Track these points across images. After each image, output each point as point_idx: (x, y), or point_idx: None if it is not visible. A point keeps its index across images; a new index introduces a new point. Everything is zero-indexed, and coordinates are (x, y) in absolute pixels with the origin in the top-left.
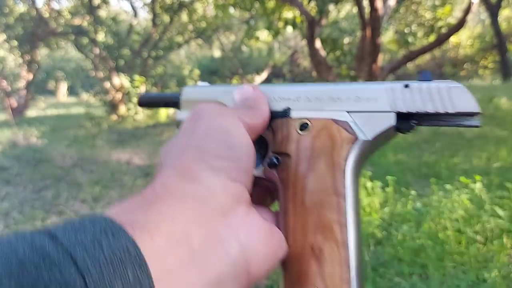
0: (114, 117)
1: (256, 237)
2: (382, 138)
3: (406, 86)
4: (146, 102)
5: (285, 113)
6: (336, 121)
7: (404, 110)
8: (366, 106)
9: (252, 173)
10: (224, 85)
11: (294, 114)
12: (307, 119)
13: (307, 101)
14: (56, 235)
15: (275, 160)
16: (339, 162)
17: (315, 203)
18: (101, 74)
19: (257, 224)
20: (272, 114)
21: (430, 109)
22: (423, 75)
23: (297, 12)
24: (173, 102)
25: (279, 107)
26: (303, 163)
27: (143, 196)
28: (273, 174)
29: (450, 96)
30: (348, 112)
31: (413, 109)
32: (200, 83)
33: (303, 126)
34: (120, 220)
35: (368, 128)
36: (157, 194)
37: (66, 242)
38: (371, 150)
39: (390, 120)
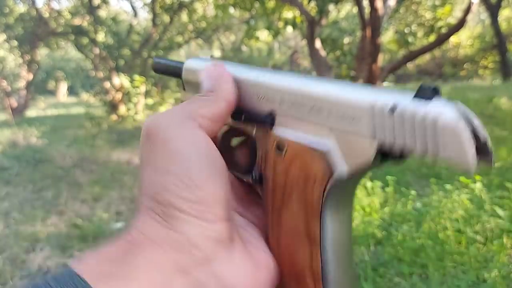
0: (114, 117)
1: (241, 278)
2: (367, 168)
3: (392, 110)
4: (159, 67)
5: (268, 120)
6: (312, 149)
7: (386, 141)
8: (350, 126)
9: (227, 197)
10: (224, 62)
11: (276, 122)
12: (284, 138)
13: (290, 106)
14: None
15: (257, 177)
16: (313, 203)
17: (288, 246)
18: (101, 74)
19: (241, 264)
20: (254, 117)
21: (417, 149)
22: (422, 90)
23: (297, 12)
24: (178, 73)
25: (262, 108)
26: (278, 193)
27: (118, 245)
28: (259, 189)
29: (443, 137)
30: (331, 129)
31: (396, 143)
32: (203, 56)
33: (280, 147)
34: (90, 273)
35: (350, 159)
36: (134, 242)
37: None
38: (354, 182)
39: (372, 150)
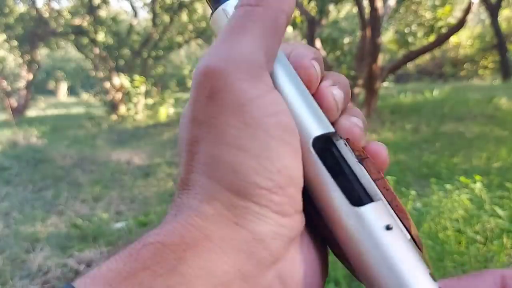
0: (114, 117)
1: (308, 278)
2: None
3: None
4: None
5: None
6: None
7: None
8: None
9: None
10: None
11: None
12: None
13: None
14: None
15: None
16: None
17: None
18: (101, 74)
19: (308, 262)
20: None
21: None
22: None
23: (297, 12)
24: None
25: None
26: None
27: (156, 247)
28: None
29: None
30: None
31: None
32: None
33: None
34: None
35: None
36: (183, 242)
37: None
38: None
39: None
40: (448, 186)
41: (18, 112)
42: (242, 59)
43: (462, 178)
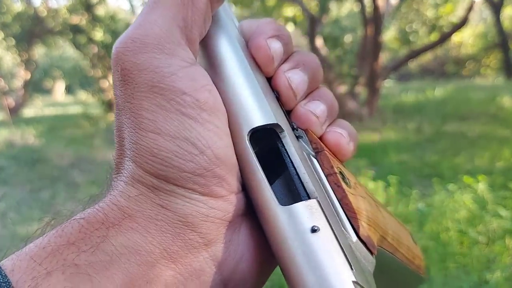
0: (111, 116)
1: (248, 261)
2: None
3: None
4: None
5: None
6: None
7: None
8: None
9: (236, 161)
10: None
11: None
12: None
13: None
14: None
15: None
16: None
17: None
18: (98, 73)
19: (246, 244)
20: None
21: None
22: None
23: (298, 10)
24: None
25: None
26: None
27: (80, 225)
28: None
29: None
30: None
31: None
32: None
33: None
34: (27, 270)
35: None
36: (108, 221)
37: None
38: None
39: None
40: (450, 186)
41: (15, 111)
42: (151, 36)
43: (465, 178)
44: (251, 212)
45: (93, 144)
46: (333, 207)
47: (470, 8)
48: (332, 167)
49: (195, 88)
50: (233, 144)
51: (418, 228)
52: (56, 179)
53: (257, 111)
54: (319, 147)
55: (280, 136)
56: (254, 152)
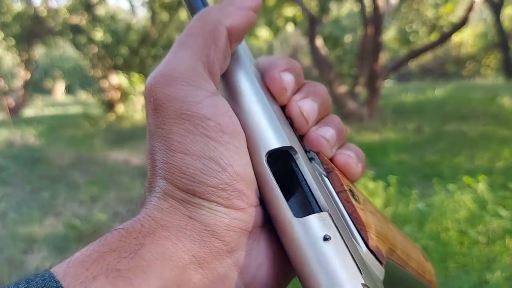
0: (112, 116)
1: (267, 268)
2: None
3: None
4: None
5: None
6: None
7: None
8: None
9: (254, 177)
10: None
11: None
12: None
13: None
14: None
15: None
16: None
17: None
18: (98, 73)
19: (265, 253)
20: None
21: None
22: None
23: (298, 10)
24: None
25: None
26: None
27: (120, 235)
28: None
29: None
30: None
31: None
32: None
33: None
34: (74, 274)
35: None
36: (143, 231)
37: None
38: None
39: None
40: (450, 186)
41: (15, 111)
42: (179, 71)
43: (465, 178)
44: (269, 224)
45: (93, 144)
46: (344, 220)
47: (470, 8)
48: (342, 185)
49: (217, 114)
50: (253, 164)
51: (418, 228)
52: (56, 179)
53: (273, 136)
54: (330, 168)
55: (294, 157)
56: (272, 171)
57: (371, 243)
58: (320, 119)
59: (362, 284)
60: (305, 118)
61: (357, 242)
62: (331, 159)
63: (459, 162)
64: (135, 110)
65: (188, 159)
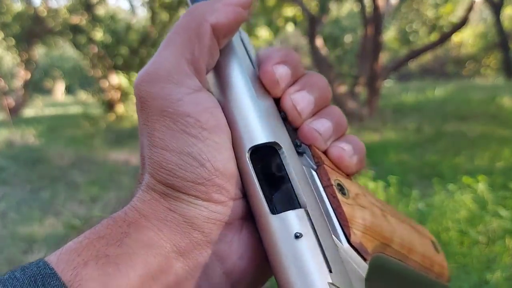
0: (112, 116)
1: (248, 260)
2: None
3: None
4: None
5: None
6: None
7: None
8: None
9: (236, 171)
10: None
11: None
12: None
13: None
14: None
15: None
16: None
17: None
18: (98, 73)
19: (247, 245)
20: None
21: None
22: None
23: (298, 10)
24: None
25: None
26: None
27: (107, 224)
28: None
29: None
30: None
31: None
32: None
33: None
34: (67, 261)
35: None
36: (128, 220)
37: None
38: None
39: None
40: (450, 186)
41: (15, 111)
42: (163, 69)
43: (465, 178)
44: (251, 218)
45: (93, 144)
46: (328, 216)
47: (470, 8)
48: (329, 179)
49: (197, 110)
50: (236, 159)
51: None
52: (56, 179)
53: (257, 131)
54: (320, 162)
55: (279, 152)
56: (258, 166)
57: (353, 238)
58: (318, 111)
59: (329, 283)
60: (298, 111)
61: (339, 238)
62: (325, 152)
63: (459, 162)
64: (135, 110)
65: (168, 154)
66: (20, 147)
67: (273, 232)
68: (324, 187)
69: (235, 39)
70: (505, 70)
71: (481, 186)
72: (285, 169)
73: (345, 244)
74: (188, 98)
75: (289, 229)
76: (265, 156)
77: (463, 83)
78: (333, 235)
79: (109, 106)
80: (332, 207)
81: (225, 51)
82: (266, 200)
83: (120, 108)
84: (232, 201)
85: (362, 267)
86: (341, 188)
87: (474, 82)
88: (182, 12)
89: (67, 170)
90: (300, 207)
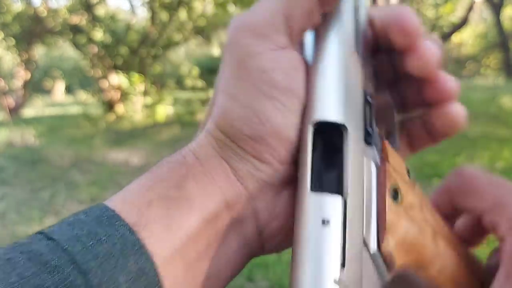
0: (111, 116)
1: (275, 221)
2: None
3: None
4: None
5: None
6: None
7: None
8: None
9: (294, 139)
10: None
11: None
12: None
13: None
14: (52, 236)
15: None
16: None
17: None
18: (98, 73)
19: (283, 209)
20: None
21: None
22: None
23: None
24: None
25: None
26: None
27: (167, 166)
28: None
29: None
30: None
31: None
32: None
33: None
34: (126, 202)
35: None
36: (186, 163)
37: (63, 241)
38: None
39: None
40: None
41: (15, 111)
42: (256, 20)
43: None
44: (294, 186)
45: (93, 144)
46: (368, 214)
47: (470, 8)
48: (385, 178)
49: (274, 68)
50: (301, 125)
51: None
52: (56, 179)
53: (331, 107)
54: (385, 159)
55: (344, 135)
56: (320, 140)
57: (384, 246)
58: None
59: (335, 280)
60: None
61: (369, 240)
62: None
63: (459, 162)
64: (135, 110)
65: (234, 104)
66: (20, 147)
67: (304, 209)
68: (377, 185)
69: (347, 2)
70: (505, 70)
71: None
72: (343, 152)
73: (373, 248)
74: (269, 54)
75: (319, 211)
76: (331, 132)
77: (463, 83)
78: (364, 234)
79: (109, 106)
80: (376, 208)
81: (332, 14)
82: (311, 175)
83: (120, 108)
84: (281, 165)
85: (382, 277)
86: (395, 194)
87: (474, 82)
88: (182, 12)
89: (67, 170)
90: (340, 195)
